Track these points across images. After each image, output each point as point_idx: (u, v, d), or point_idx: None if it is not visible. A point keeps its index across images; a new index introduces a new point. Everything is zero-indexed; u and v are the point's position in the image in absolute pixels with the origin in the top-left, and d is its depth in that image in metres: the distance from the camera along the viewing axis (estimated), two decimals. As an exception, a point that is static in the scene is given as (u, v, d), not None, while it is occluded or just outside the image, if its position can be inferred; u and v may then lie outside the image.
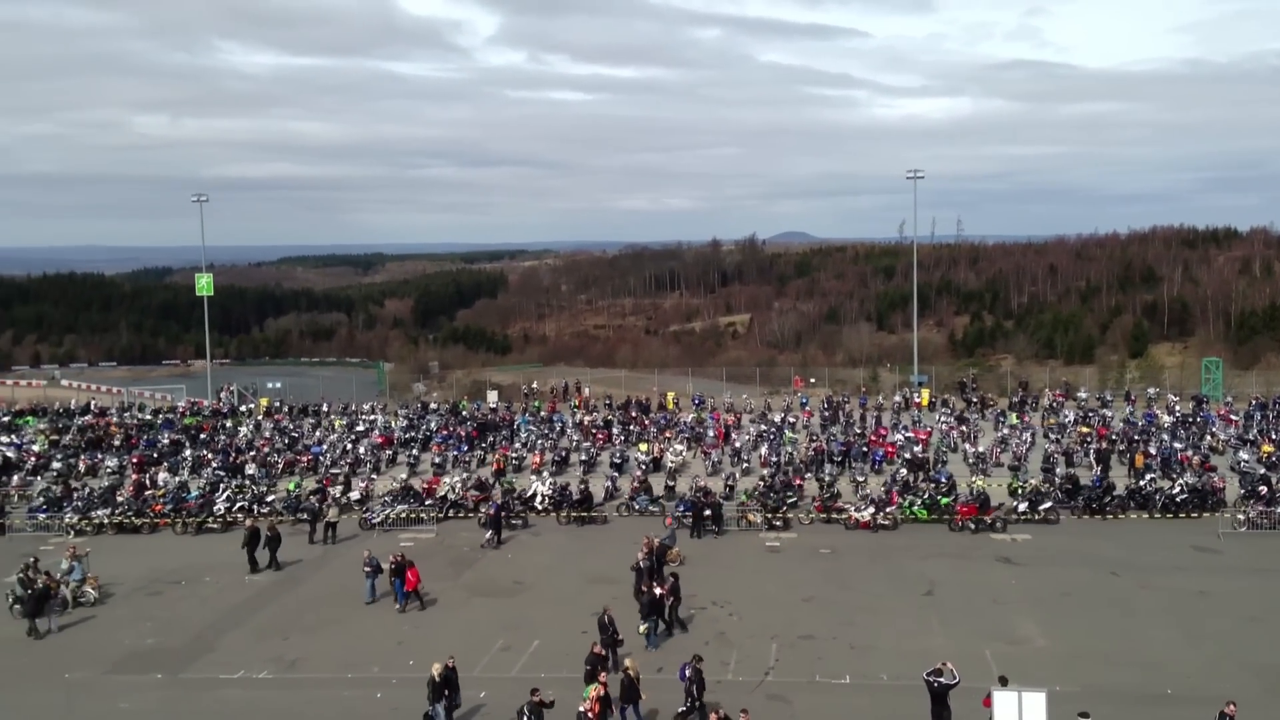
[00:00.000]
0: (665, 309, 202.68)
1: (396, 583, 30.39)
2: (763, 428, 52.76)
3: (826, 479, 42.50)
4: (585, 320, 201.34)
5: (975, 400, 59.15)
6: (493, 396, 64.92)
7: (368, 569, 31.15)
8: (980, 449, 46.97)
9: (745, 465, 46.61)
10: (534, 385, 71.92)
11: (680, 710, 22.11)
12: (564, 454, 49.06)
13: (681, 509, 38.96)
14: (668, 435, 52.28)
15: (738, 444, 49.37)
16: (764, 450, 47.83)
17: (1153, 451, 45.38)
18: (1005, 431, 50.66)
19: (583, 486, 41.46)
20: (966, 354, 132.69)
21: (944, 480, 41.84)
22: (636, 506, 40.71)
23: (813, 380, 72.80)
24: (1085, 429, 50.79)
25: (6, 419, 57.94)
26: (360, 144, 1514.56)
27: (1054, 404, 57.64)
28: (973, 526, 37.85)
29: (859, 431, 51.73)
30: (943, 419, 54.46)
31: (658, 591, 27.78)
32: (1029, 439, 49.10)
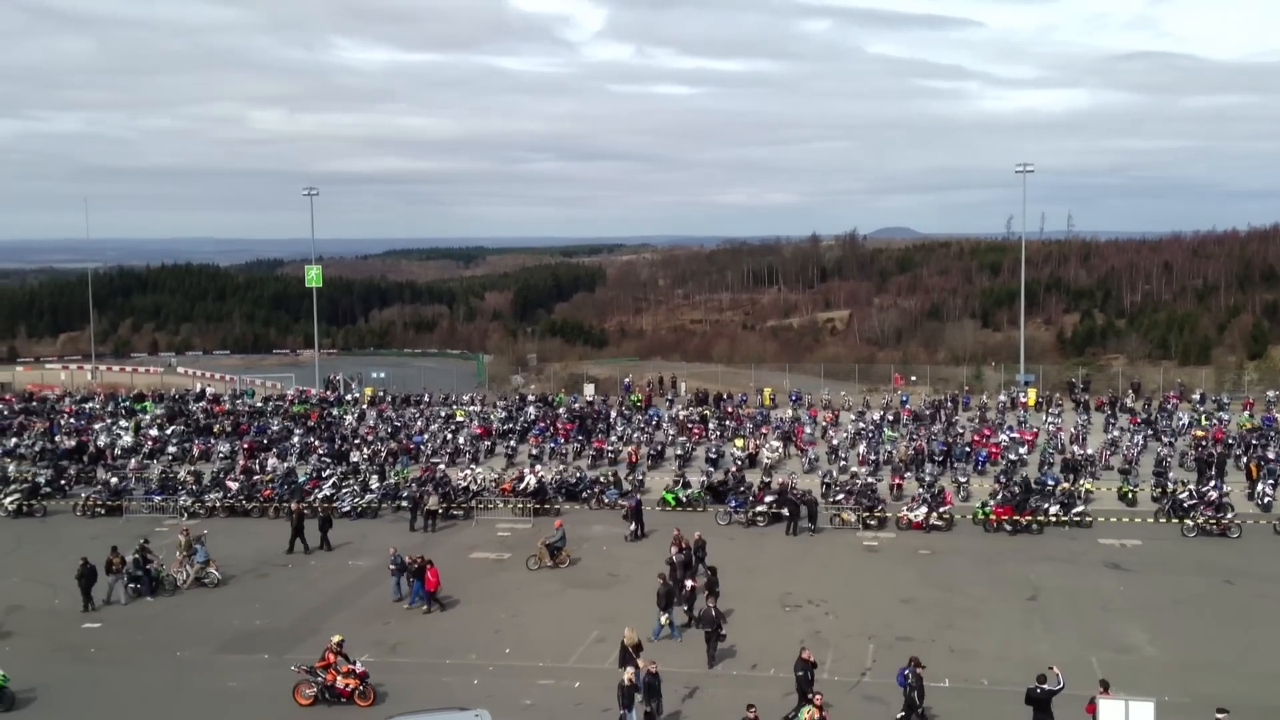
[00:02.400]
0: (763, 304, 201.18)
1: (416, 584, 30.00)
2: (861, 425, 52.08)
3: (927, 479, 41.74)
4: (682, 315, 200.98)
5: (1084, 401, 57.47)
6: (589, 389, 65.34)
7: (392, 566, 30.94)
8: (1088, 451, 45.58)
9: (842, 463, 46.06)
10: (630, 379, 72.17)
11: (900, 717, 21.71)
12: (659, 448, 49.09)
13: (734, 505, 39.22)
14: (764, 431, 51.95)
15: (835, 441, 48.81)
16: (862, 448, 47.19)
17: (1271, 456, 43.50)
18: (1115, 434, 49.11)
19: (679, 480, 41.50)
20: (1076, 353, 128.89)
21: (1050, 483, 40.73)
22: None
23: (913, 378, 71.61)
24: (1200, 432, 48.95)
25: (126, 404, 60.32)
26: (466, 139, 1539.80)
27: (1166, 406, 55.69)
28: (1009, 528, 37.00)
29: (961, 431, 50.69)
30: (1050, 420, 53.05)
31: (689, 584, 28.05)
32: (1140, 442, 47.50)
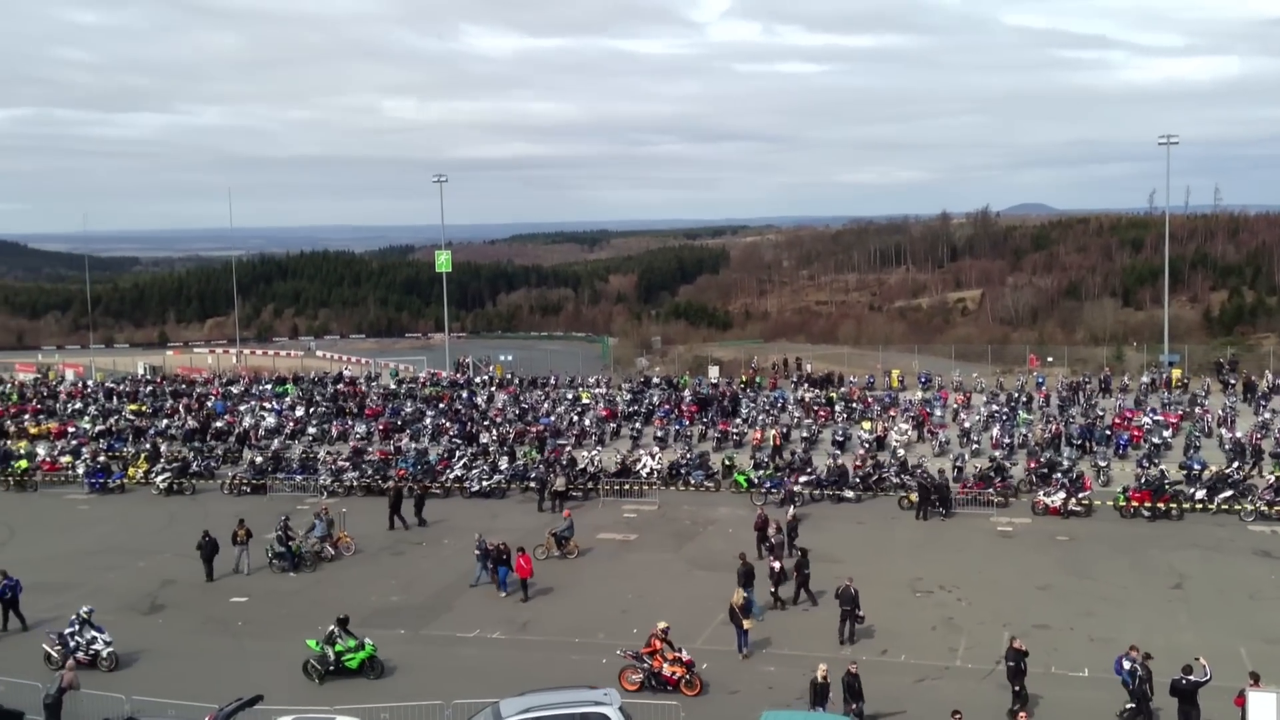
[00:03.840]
0: (890, 284, 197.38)
1: (502, 571, 29.94)
2: (994, 408, 50.69)
3: (1065, 463, 40.37)
4: (807, 296, 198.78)
5: (1233, 382, 54.75)
6: (714, 372, 65.20)
7: (477, 551, 30.95)
8: (1237, 434, 43.40)
9: (975, 446, 44.91)
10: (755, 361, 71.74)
11: (1126, 710, 21.03)
12: (785, 430, 48.69)
13: (770, 485, 39.15)
14: (892, 414, 51.03)
15: (966, 425, 47.63)
16: (995, 431, 45.93)
17: None
18: (1267, 416, 46.66)
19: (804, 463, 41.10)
20: (1224, 332, 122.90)
21: (1196, 468, 38.95)
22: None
23: (1050, 359, 69.43)
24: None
25: (269, 386, 62.78)
26: (591, 122, 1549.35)
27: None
28: (1147, 514, 35.47)
29: (1101, 414, 48.87)
30: (1197, 401, 50.71)
31: (776, 565, 28.10)
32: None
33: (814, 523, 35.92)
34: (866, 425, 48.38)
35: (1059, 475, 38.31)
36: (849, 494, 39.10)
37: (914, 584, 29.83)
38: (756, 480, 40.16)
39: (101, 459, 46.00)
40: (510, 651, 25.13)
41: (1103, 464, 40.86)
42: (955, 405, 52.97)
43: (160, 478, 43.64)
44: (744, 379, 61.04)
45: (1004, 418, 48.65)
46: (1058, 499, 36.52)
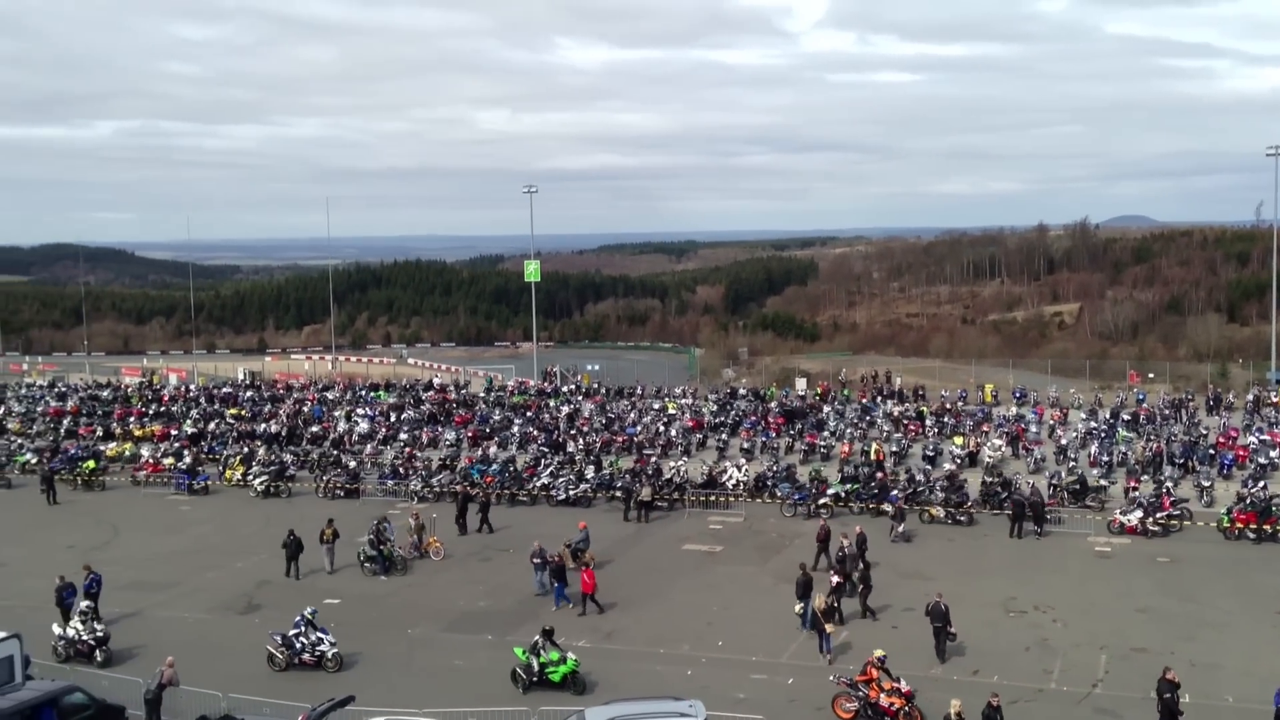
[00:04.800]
0: (984, 297, 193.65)
1: (558, 586, 29.66)
2: (1092, 425, 49.35)
3: (1167, 482, 39.14)
4: (898, 308, 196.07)
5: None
6: (801, 384, 64.70)
7: (536, 560, 30.79)
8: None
9: (1071, 464, 43.77)
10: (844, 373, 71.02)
11: None
12: (899, 449, 47.94)
13: (798, 497, 39.19)
14: (985, 429, 50.02)
15: (1063, 441, 46.43)
16: (1093, 449, 44.71)
17: None
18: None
19: (892, 478, 40.51)
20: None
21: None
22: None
23: (1150, 375, 67.38)
24: None
25: (363, 393, 64.08)
26: (680, 133, 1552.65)
27: None
28: (1252, 535, 34.08)
29: (1204, 432, 47.24)
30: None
31: (835, 579, 27.75)
32: None
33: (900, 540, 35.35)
34: (959, 440, 47.50)
35: (1136, 494, 37.46)
36: (939, 513, 38.33)
37: (1007, 603, 29.16)
38: (844, 494, 39.74)
39: (187, 460, 47.43)
40: (595, 660, 25.18)
41: (1206, 484, 39.47)
42: (1051, 421, 51.70)
43: (257, 480, 44.79)
44: (819, 391, 60.52)
45: (1102, 435, 47.36)
46: (1134, 518, 35.59)
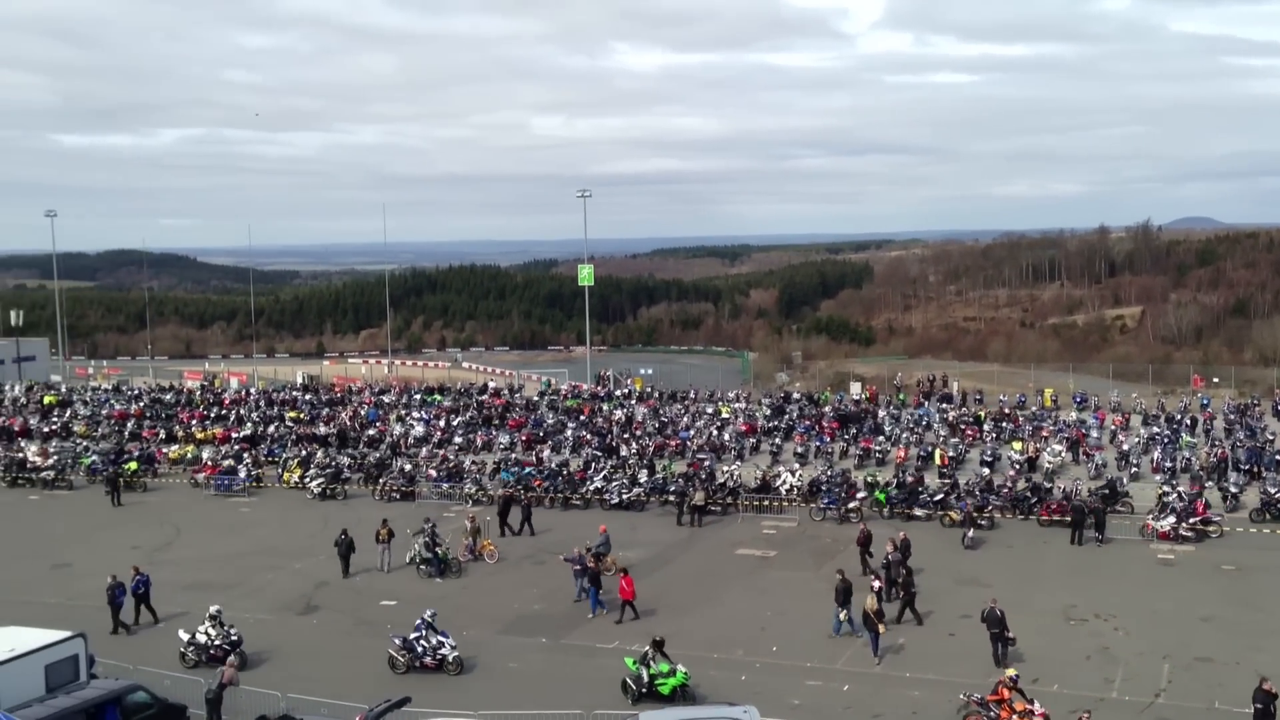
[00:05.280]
0: (1043, 300, 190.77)
1: (592, 590, 29.67)
2: (1155, 430, 48.39)
3: (1233, 489, 38.24)
4: (954, 312, 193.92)
5: None
6: (856, 388, 64.19)
7: (576, 567, 30.60)
8: None
9: (1134, 469, 42.94)
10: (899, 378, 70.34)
11: None
12: (929, 450, 47.51)
13: (827, 501, 39.01)
14: (1044, 434, 49.24)
15: (1125, 447, 45.57)
16: (1156, 455, 43.84)
17: None
18: None
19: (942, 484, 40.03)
20: None
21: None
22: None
23: (1215, 380, 65.93)
24: None
25: (418, 396, 64.66)
26: (734, 137, 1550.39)
27: None
28: None
29: (1271, 437, 46.10)
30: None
31: (876, 584, 27.25)
32: None
33: (958, 545, 34.94)
34: (1017, 446, 46.82)
35: (1170, 499, 36.84)
36: (974, 521, 37.84)
37: (1067, 611, 28.67)
38: (882, 499, 39.51)
39: (228, 463, 48.31)
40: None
41: (1273, 490, 38.49)
42: (1113, 427, 50.77)
43: (314, 482, 45.38)
44: (866, 395, 60.04)
45: (1165, 441, 46.42)
46: (1167, 523, 35.01)
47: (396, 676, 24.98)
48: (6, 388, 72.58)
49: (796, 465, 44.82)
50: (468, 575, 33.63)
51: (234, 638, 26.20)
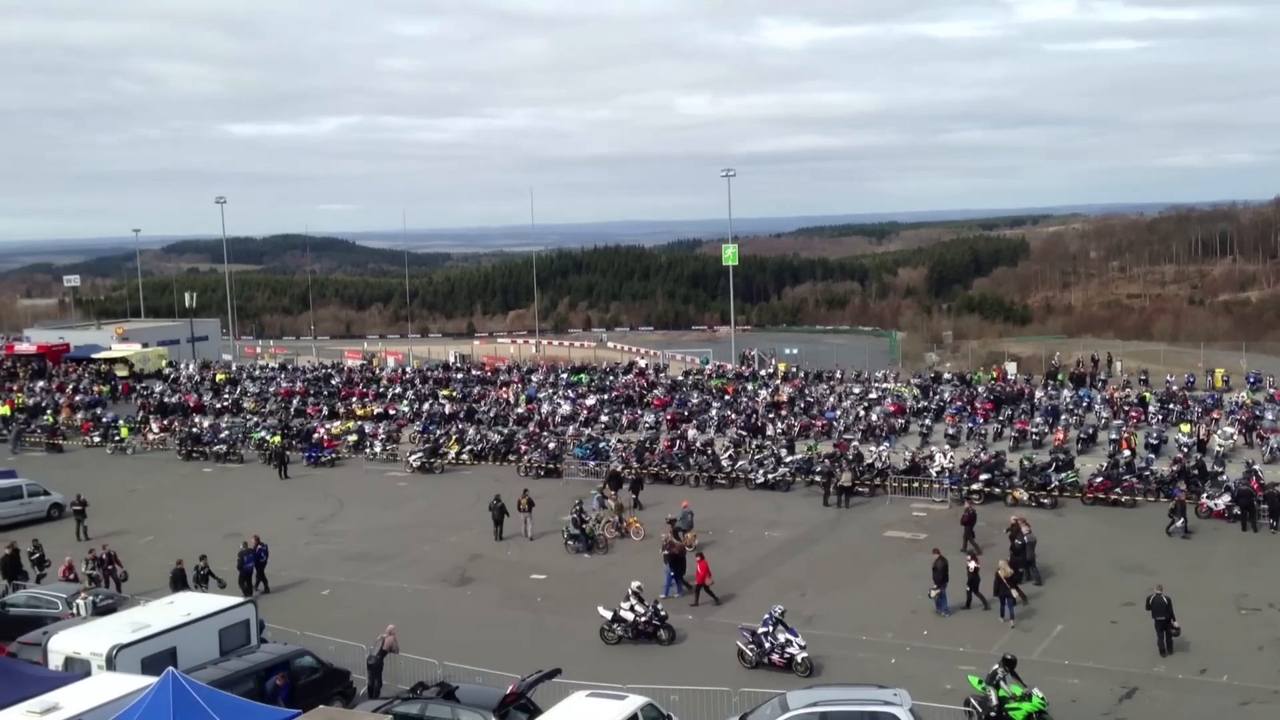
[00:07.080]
0: (1214, 276, 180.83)
1: (669, 573, 29.38)
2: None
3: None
4: (1117, 289, 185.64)
5: None
6: (1011, 368, 62.24)
7: (665, 551, 29.96)
8: None
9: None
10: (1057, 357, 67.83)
11: None
12: (1091, 431, 45.72)
13: (949, 481, 38.02)
14: (1215, 416, 46.80)
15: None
16: (1339, 438, 41.18)
17: None
18: None
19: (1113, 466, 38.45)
20: None
21: None
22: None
23: (1407, 358, 61.33)
24: None
25: (564, 375, 65.72)
26: (884, 112, 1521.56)
27: None
28: None
29: None
30: None
31: (972, 565, 27.44)
32: None
33: (1123, 529, 33.58)
34: (1186, 428, 44.64)
35: (1224, 476, 35.73)
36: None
37: (1238, 600, 27.27)
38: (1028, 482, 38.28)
39: (379, 442, 50.33)
40: (796, 645, 24.97)
41: None
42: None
43: (414, 456, 46.92)
44: (994, 375, 58.12)
45: (1350, 423, 43.53)
46: (1221, 502, 33.68)
47: (745, 667, 24.45)
48: (182, 366, 76.98)
49: (948, 447, 43.78)
50: (614, 551, 34.08)
51: (662, 612, 26.32)
